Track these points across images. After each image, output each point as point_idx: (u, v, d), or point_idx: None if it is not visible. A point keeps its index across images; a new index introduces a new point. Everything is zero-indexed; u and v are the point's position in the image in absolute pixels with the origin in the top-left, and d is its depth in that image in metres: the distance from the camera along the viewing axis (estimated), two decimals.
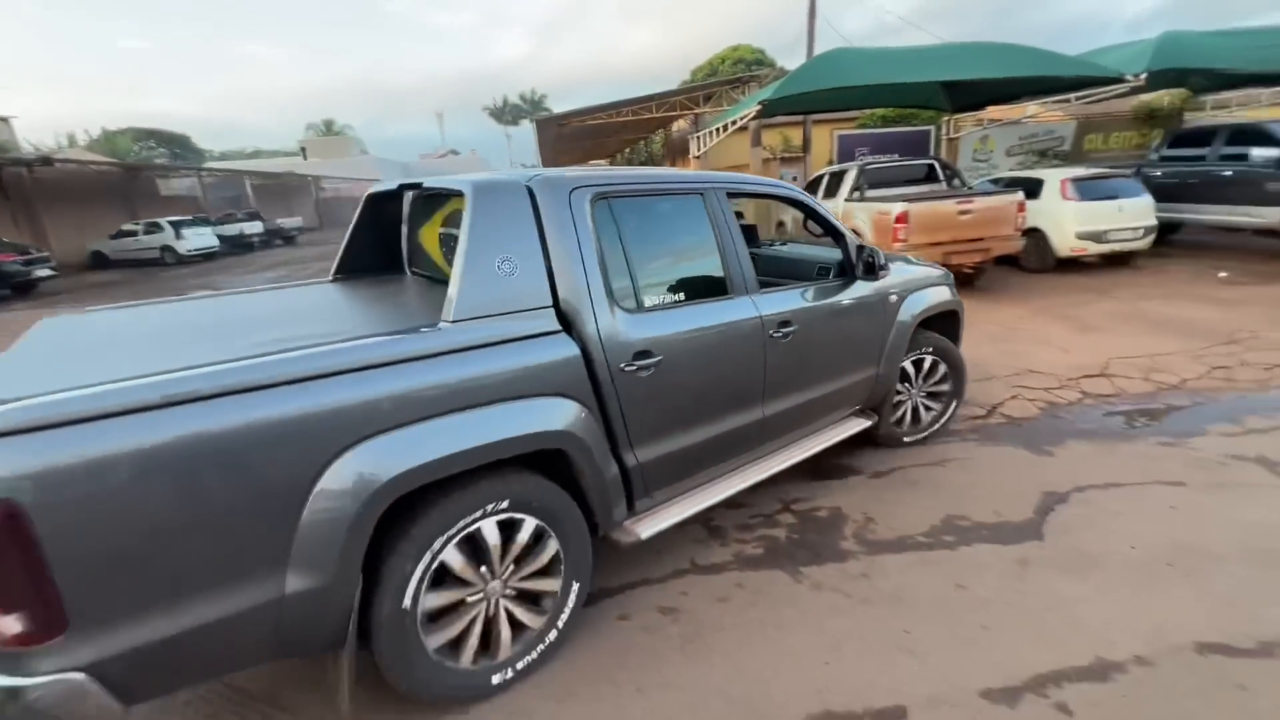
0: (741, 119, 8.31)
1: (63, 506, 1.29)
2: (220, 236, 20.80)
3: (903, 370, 3.53)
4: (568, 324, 2.06)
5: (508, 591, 2.01)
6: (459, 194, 2.15)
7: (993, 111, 12.71)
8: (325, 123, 60.13)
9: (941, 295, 3.65)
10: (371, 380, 1.64)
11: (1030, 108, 12.68)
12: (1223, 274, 7.56)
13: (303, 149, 49.60)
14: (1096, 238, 7.80)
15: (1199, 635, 2.13)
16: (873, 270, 3.11)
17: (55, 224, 19.35)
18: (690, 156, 12.55)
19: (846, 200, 8.12)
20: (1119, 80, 7.95)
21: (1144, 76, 7.83)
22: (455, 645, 1.93)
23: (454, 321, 1.85)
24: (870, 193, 7.93)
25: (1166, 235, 8.91)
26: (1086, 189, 7.93)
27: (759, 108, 7.83)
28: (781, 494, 3.25)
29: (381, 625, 1.74)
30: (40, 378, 1.53)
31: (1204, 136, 8.98)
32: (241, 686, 2.13)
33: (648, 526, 2.33)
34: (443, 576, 1.85)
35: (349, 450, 1.59)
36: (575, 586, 2.15)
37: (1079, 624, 2.22)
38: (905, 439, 3.69)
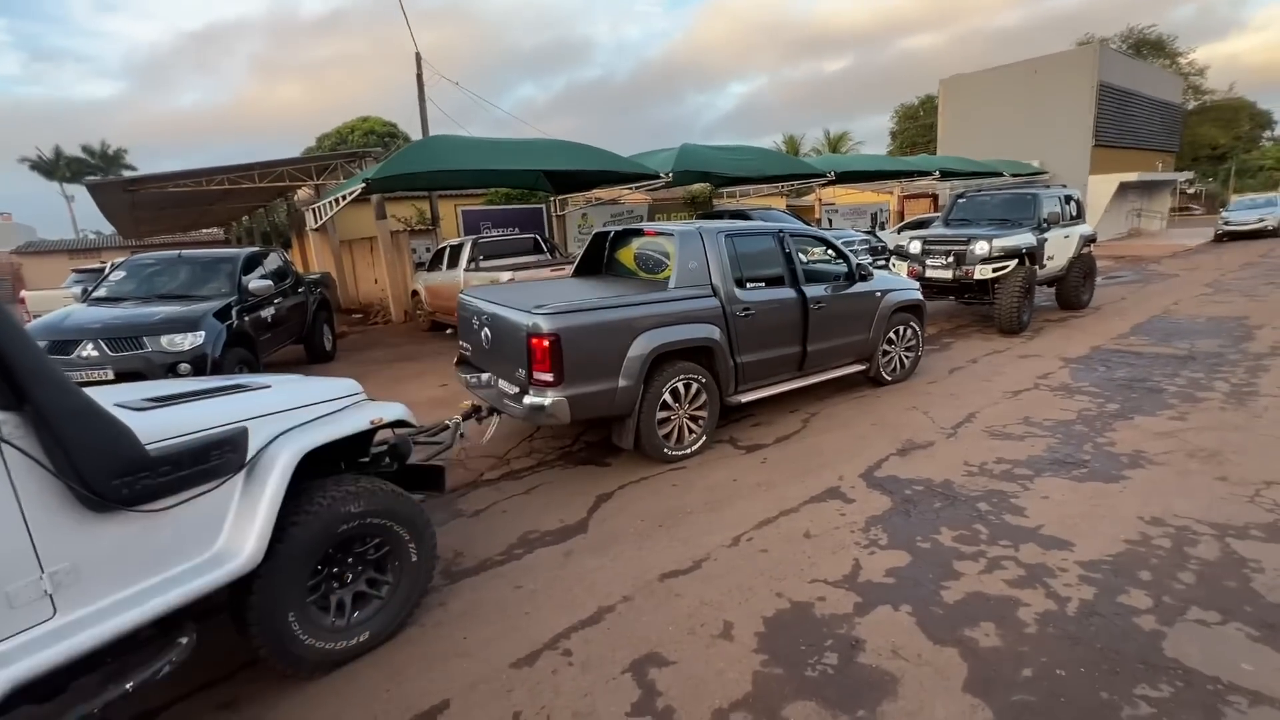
0: (350, 194, 8.36)
1: (567, 339, 3.86)
2: None
3: (890, 336, 5.89)
4: (715, 291, 4.61)
5: (685, 417, 4.47)
6: (648, 232, 5.29)
7: (595, 193, 15.44)
8: None
9: (911, 295, 6.05)
10: (646, 308, 4.26)
11: (619, 191, 15.81)
12: None
13: None
14: None
15: (662, 569, 3.07)
16: (865, 278, 5.63)
17: None
18: (308, 229, 11.86)
19: (465, 270, 8.84)
20: (656, 176, 10.68)
21: (671, 175, 10.69)
22: (668, 437, 4.41)
23: (673, 288, 4.49)
24: (485, 263, 8.81)
25: None
26: None
27: (364, 185, 8.03)
28: None
29: (643, 427, 4.24)
30: (535, 298, 4.20)
31: (718, 215, 12.59)
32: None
33: (745, 396, 4.86)
34: (664, 407, 4.34)
35: (639, 335, 4.14)
36: (713, 418, 4.64)
37: (593, 587, 2.96)
38: (889, 379, 5.96)
